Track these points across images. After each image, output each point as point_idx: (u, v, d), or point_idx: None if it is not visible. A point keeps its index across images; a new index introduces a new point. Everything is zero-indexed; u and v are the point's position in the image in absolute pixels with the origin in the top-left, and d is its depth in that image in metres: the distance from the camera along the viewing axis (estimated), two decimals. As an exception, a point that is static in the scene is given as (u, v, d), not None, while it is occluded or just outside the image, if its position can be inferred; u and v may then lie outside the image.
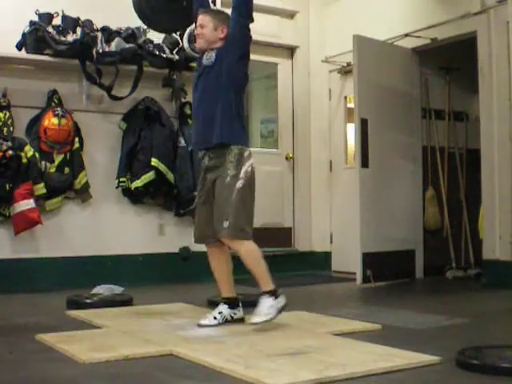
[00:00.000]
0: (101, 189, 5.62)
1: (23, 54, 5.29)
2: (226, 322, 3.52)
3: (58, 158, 5.33)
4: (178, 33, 5.81)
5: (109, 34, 5.49)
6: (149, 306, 4.32)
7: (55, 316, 4.01)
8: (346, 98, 6.81)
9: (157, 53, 5.66)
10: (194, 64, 5.79)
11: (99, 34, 5.42)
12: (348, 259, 6.27)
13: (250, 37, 3.60)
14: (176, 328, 3.51)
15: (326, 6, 6.99)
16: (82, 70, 5.38)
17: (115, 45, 5.45)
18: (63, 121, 5.30)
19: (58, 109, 5.33)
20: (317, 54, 6.94)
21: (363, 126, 5.72)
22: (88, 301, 4.41)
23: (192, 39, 5.73)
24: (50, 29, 5.26)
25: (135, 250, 5.73)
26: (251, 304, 3.56)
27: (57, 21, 5.40)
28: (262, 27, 6.74)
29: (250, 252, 3.49)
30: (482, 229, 5.52)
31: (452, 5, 5.66)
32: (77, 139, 5.43)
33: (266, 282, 3.47)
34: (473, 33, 5.50)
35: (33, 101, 5.33)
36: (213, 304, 3.92)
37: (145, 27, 5.70)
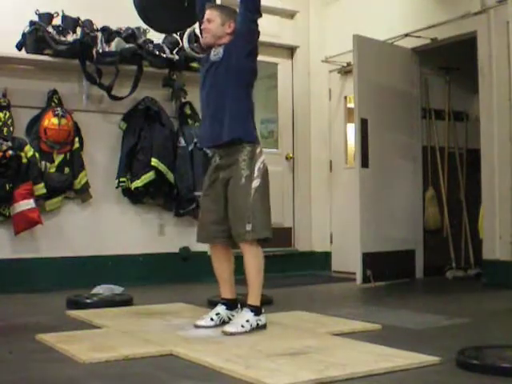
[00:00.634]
0: (101, 189, 5.62)
1: (23, 54, 5.29)
2: (224, 323, 3.49)
3: (58, 158, 5.33)
4: (179, 33, 5.82)
5: (109, 34, 5.49)
6: (149, 306, 4.32)
7: (55, 316, 4.01)
8: (346, 98, 6.81)
9: (157, 53, 5.66)
10: (194, 64, 5.82)
11: (99, 34, 5.42)
12: (348, 259, 6.27)
13: (258, 32, 3.56)
14: (176, 328, 3.51)
15: (326, 6, 6.99)
16: (82, 70, 5.38)
17: (115, 45, 5.45)
18: (63, 121, 5.30)
19: (58, 109, 5.33)
20: (317, 54, 6.94)
21: (363, 125, 5.72)
22: (88, 301, 4.41)
23: (192, 39, 5.75)
24: (50, 29, 5.26)
25: (135, 250, 5.73)
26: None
27: (57, 21, 5.40)
28: (262, 27, 6.68)
29: (260, 259, 3.46)
30: (482, 229, 5.52)
31: (452, 5, 5.66)
32: (77, 139, 5.43)
33: (256, 297, 3.45)
34: (473, 33, 5.50)
35: (33, 101, 5.33)
36: (213, 304, 3.91)
37: (145, 27, 5.70)
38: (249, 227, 3.38)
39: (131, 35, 5.58)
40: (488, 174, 5.42)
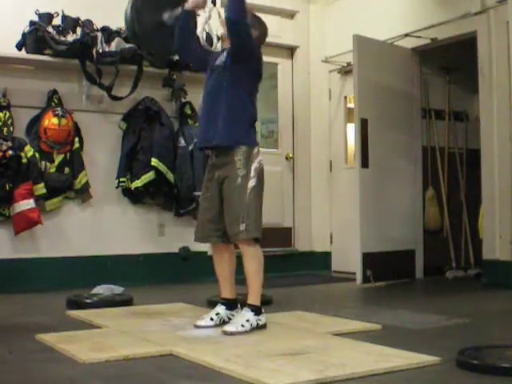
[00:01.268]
0: (101, 189, 5.62)
1: (23, 54, 5.29)
2: (223, 323, 3.49)
3: (58, 158, 5.33)
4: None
5: (109, 34, 5.49)
6: (149, 306, 4.32)
7: (55, 316, 4.01)
8: (346, 97, 6.81)
9: (157, 53, 5.66)
10: (194, 64, 5.81)
11: (99, 34, 5.42)
12: (348, 259, 6.27)
13: (254, 46, 3.58)
14: (176, 328, 3.51)
15: (325, 6, 6.99)
16: (82, 70, 5.38)
17: (115, 45, 5.45)
18: (63, 121, 5.30)
19: (58, 109, 5.33)
20: (317, 54, 6.94)
21: (363, 125, 5.72)
22: (88, 301, 4.41)
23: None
24: (50, 29, 5.27)
25: (135, 250, 5.73)
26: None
27: (57, 21, 5.40)
28: (261, 27, 6.77)
29: (259, 258, 3.46)
30: (482, 229, 5.53)
31: (452, 5, 5.66)
32: (77, 139, 5.43)
33: (256, 296, 3.46)
34: (473, 33, 5.50)
35: (33, 101, 5.34)
36: (212, 304, 3.91)
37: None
38: (242, 227, 3.39)
39: (131, 35, 5.57)
40: (488, 174, 5.42)
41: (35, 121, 5.31)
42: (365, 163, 5.70)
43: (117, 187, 5.62)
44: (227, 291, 3.63)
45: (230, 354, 2.84)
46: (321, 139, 6.96)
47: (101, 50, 5.37)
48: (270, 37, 6.61)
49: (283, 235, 6.84)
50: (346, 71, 6.67)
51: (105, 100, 5.60)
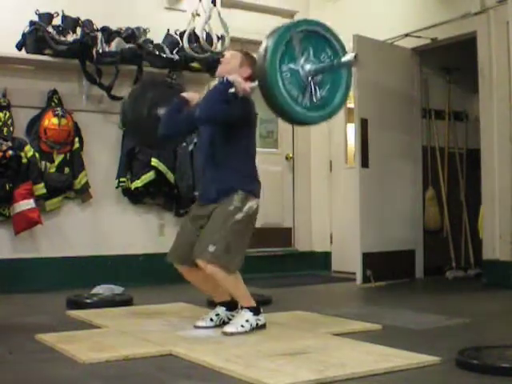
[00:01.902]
0: (101, 189, 5.62)
1: (23, 54, 5.29)
2: (223, 323, 3.49)
3: (58, 158, 5.33)
4: (179, 33, 5.83)
5: (109, 34, 5.49)
6: (149, 306, 4.32)
7: (55, 316, 4.01)
8: (346, 98, 6.80)
9: (157, 53, 5.66)
10: (194, 64, 5.82)
11: (99, 34, 5.41)
12: (348, 259, 6.27)
13: (233, 115, 3.39)
14: (176, 328, 3.52)
15: (325, 6, 6.98)
16: (82, 70, 5.38)
17: (115, 45, 5.44)
18: (63, 121, 5.30)
19: (58, 109, 5.33)
20: (317, 54, 6.92)
21: (363, 125, 5.72)
22: (88, 301, 4.41)
23: (192, 39, 5.75)
24: (50, 29, 5.26)
25: (135, 250, 5.73)
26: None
27: (57, 21, 5.40)
28: (261, 27, 6.72)
29: (229, 280, 3.39)
30: (482, 229, 5.52)
31: (452, 5, 5.66)
32: (77, 139, 5.43)
33: (247, 300, 3.45)
34: (473, 33, 5.50)
35: (33, 101, 5.33)
36: (212, 304, 3.91)
37: (145, 27, 5.71)
38: (211, 249, 3.30)
39: (131, 35, 5.58)
40: (488, 174, 5.42)
41: (35, 121, 5.31)
42: (365, 163, 5.70)
43: (117, 187, 5.63)
44: (219, 296, 3.63)
45: (230, 354, 2.84)
46: (321, 139, 6.96)
47: (101, 50, 5.37)
48: (270, 37, 6.74)
49: (283, 235, 6.84)
50: (345, 71, 6.66)
51: (105, 100, 5.60)
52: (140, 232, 5.80)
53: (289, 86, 3.08)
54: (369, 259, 5.62)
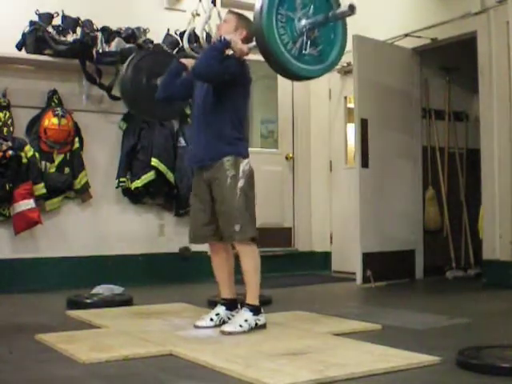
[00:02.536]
0: (101, 189, 5.62)
1: (23, 54, 5.29)
2: (223, 323, 3.49)
3: (58, 158, 5.33)
4: (179, 33, 5.83)
5: (109, 34, 5.49)
6: (149, 306, 4.32)
7: (55, 316, 4.01)
8: (346, 98, 6.81)
9: (157, 53, 5.65)
10: (193, 64, 5.81)
11: (99, 34, 5.42)
12: (348, 259, 6.27)
13: (230, 73, 3.45)
14: (176, 328, 3.52)
15: (326, 6, 6.97)
16: (82, 70, 5.38)
17: (115, 45, 5.45)
18: (63, 121, 5.30)
19: (58, 109, 5.33)
20: (317, 54, 6.92)
21: (363, 125, 5.72)
22: (88, 301, 4.41)
23: (192, 39, 5.75)
24: (50, 29, 5.27)
25: (135, 250, 5.73)
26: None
27: (57, 21, 5.40)
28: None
29: (255, 258, 3.48)
30: (482, 229, 5.52)
31: (452, 5, 5.66)
32: (77, 139, 5.44)
33: (254, 296, 3.46)
34: (473, 33, 5.50)
35: (33, 101, 5.34)
36: (212, 304, 3.92)
37: (145, 27, 5.71)
38: (237, 227, 3.41)
39: (131, 35, 5.58)
40: (488, 174, 5.42)
41: (35, 121, 5.31)
42: (365, 163, 5.70)
43: (117, 187, 5.63)
44: (227, 291, 3.64)
45: (230, 354, 2.84)
46: (321, 139, 6.96)
47: (101, 50, 5.37)
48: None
49: (283, 235, 6.84)
50: (345, 71, 6.66)
51: (105, 100, 5.60)
52: (140, 232, 5.80)
53: (284, 36, 3.16)
54: (369, 259, 5.61)
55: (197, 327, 3.49)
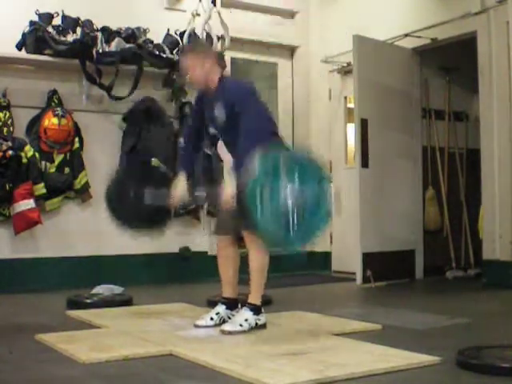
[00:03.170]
0: (101, 189, 5.55)
1: (23, 54, 5.29)
2: (223, 322, 3.49)
3: (58, 158, 5.33)
4: (179, 33, 5.82)
5: (109, 34, 5.49)
6: (149, 306, 4.32)
7: (55, 316, 4.01)
8: (346, 98, 6.81)
9: (157, 53, 5.66)
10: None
11: (99, 34, 5.42)
12: (348, 259, 6.27)
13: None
14: (176, 328, 3.52)
15: (326, 6, 6.98)
16: (82, 70, 5.38)
17: (115, 45, 5.45)
18: (63, 121, 5.30)
19: (58, 109, 5.33)
20: (317, 54, 6.93)
21: (363, 125, 5.72)
22: (88, 301, 4.41)
23: (192, 39, 5.75)
24: (50, 29, 5.27)
25: (135, 250, 5.72)
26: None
27: (57, 21, 5.40)
28: (262, 27, 6.78)
29: (264, 256, 3.46)
30: (482, 229, 5.52)
31: (452, 5, 5.66)
32: (77, 139, 5.43)
33: (257, 295, 3.46)
34: (473, 33, 5.50)
35: (33, 101, 5.33)
36: (212, 304, 3.91)
37: (145, 27, 5.71)
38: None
39: (131, 35, 5.58)
40: (488, 174, 5.42)
41: (35, 121, 5.31)
42: (365, 163, 5.70)
43: (117, 187, 5.62)
44: (229, 291, 3.62)
45: (230, 354, 2.84)
46: (321, 139, 6.96)
47: (101, 50, 5.37)
48: (270, 37, 6.76)
49: (283, 235, 6.82)
50: (346, 71, 6.67)
51: (105, 100, 5.60)
52: (140, 232, 5.78)
53: (268, 209, 2.90)
54: (369, 259, 5.61)
55: (197, 326, 3.49)
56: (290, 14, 7.00)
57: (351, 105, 6.17)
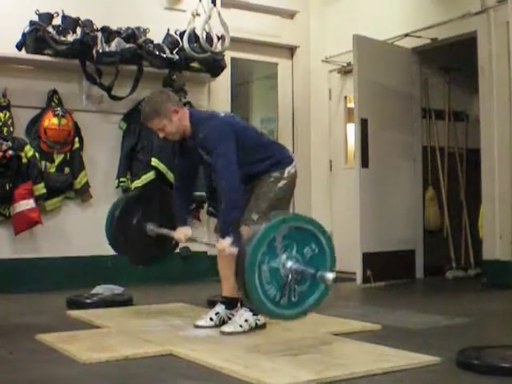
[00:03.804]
0: (101, 189, 5.62)
1: (23, 54, 5.29)
2: (223, 322, 3.49)
3: (58, 158, 5.33)
4: (179, 33, 5.82)
5: (109, 33, 5.48)
6: (149, 306, 4.32)
7: (55, 316, 4.01)
8: (346, 98, 6.81)
9: (157, 53, 5.65)
10: (194, 64, 5.82)
11: (99, 34, 5.41)
12: (348, 259, 6.25)
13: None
14: (176, 328, 3.52)
15: (326, 6, 6.98)
16: (82, 70, 5.38)
17: (115, 45, 5.44)
18: (63, 121, 5.30)
19: (58, 109, 5.33)
20: (317, 54, 6.93)
21: (363, 125, 5.72)
22: (88, 301, 4.41)
23: (192, 39, 5.75)
24: (50, 29, 5.26)
25: (135, 250, 5.72)
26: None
27: (57, 21, 5.39)
28: (262, 27, 6.77)
29: None
30: (482, 229, 5.52)
31: (452, 5, 5.66)
32: (77, 139, 5.43)
33: None
34: (473, 33, 5.50)
35: (33, 101, 5.33)
36: (212, 304, 3.91)
37: (145, 27, 5.71)
38: (255, 216, 3.38)
39: (131, 35, 5.58)
40: (488, 174, 5.42)
41: (35, 121, 5.31)
42: (365, 163, 5.71)
43: (117, 187, 5.62)
44: (228, 289, 3.62)
45: (230, 354, 2.84)
46: (321, 139, 6.96)
47: (101, 50, 5.36)
48: (270, 37, 6.76)
49: (283, 235, 6.82)
50: (346, 71, 6.67)
51: (105, 100, 5.60)
52: (140, 232, 5.79)
53: (267, 285, 2.77)
54: (369, 259, 5.62)
55: (197, 327, 3.49)
56: (290, 14, 7.00)
57: (351, 105, 6.17)
